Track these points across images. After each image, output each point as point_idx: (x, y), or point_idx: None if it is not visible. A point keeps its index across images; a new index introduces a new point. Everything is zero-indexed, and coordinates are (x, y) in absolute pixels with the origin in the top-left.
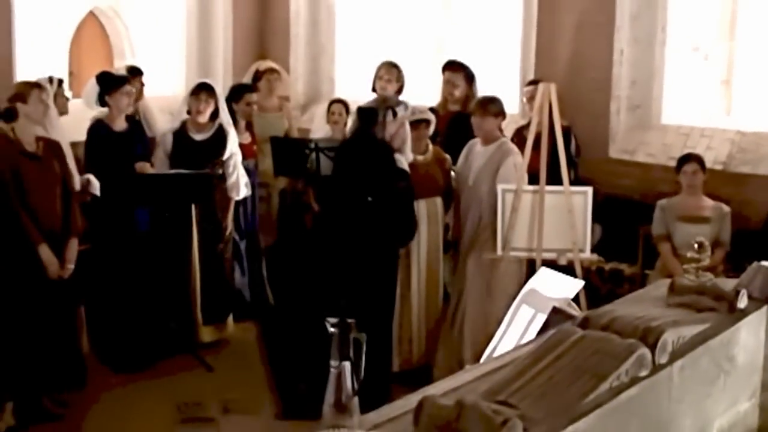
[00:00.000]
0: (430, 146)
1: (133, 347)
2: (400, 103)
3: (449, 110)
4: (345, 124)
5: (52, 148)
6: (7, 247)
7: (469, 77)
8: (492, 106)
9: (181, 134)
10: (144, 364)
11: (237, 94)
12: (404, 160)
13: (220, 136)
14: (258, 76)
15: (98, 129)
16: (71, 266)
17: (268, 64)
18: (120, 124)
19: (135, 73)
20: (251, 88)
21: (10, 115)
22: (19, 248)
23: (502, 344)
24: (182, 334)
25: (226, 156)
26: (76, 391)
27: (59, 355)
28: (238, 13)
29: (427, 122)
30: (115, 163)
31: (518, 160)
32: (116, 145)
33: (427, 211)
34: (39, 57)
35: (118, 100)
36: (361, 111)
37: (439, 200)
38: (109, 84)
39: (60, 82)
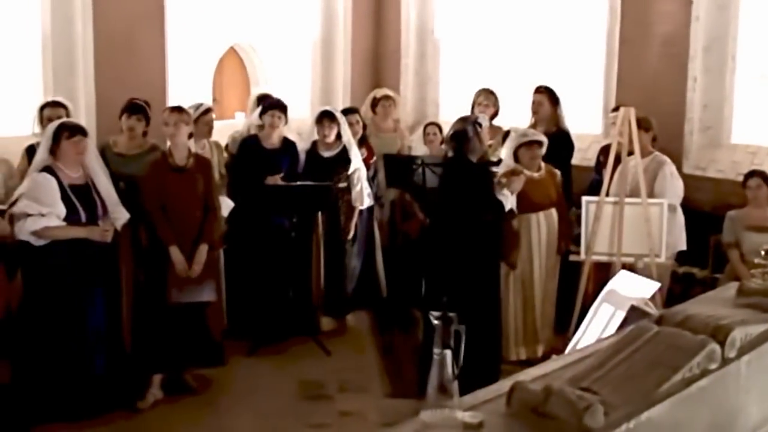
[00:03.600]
0: (543, 165)
1: (264, 331)
2: (476, 117)
3: (539, 130)
4: (440, 143)
5: (200, 163)
6: (154, 247)
7: (554, 99)
8: (644, 122)
9: (312, 152)
10: (272, 346)
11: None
12: (509, 195)
13: (345, 153)
14: (375, 102)
15: (249, 143)
16: (198, 267)
17: (384, 91)
18: (271, 142)
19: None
20: (354, 110)
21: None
22: (162, 248)
23: (585, 337)
24: (304, 322)
25: (350, 171)
26: (215, 367)
27: (195, 339)
28: (356, 47)
29: (540, 143)
30: (259, 175)
31: (673, 169)
32: (263, 159)
33: (546, 221)
34: (188, 85)
35: (265, 120)
36: (453, 134)
37: (553, 211)
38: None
39: (207, 110)
